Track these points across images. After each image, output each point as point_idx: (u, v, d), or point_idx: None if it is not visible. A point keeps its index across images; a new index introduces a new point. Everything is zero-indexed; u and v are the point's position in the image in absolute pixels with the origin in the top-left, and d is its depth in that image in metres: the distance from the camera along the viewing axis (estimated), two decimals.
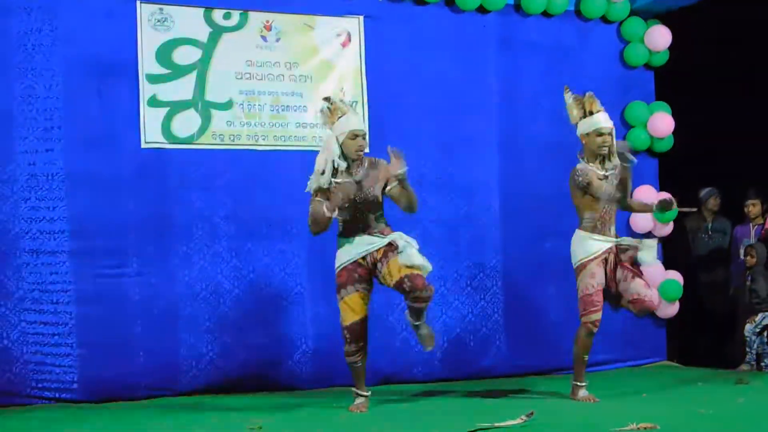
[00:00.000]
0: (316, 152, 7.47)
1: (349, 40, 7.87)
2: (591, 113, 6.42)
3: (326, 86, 7.73)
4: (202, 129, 7.39)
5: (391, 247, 5.94)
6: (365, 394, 6.15)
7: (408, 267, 5.85)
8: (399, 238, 5.96)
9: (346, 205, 5.92)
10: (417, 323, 6.01)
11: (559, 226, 8.06)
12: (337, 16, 7.83)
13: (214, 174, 7.37)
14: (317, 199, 5.94)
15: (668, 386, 7.19)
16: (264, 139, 7.56)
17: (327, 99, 6.15)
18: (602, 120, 6.39)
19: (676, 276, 8.58)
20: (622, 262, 6.40)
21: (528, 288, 8.24)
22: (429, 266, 5.97)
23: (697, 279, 8.95)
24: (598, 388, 6.67)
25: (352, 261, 5.97)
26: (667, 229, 8.69)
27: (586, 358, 6.47)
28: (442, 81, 8.06)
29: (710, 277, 9.05)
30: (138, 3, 7.27)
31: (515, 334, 8.16)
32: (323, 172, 5.94)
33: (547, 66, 8.45)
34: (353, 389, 6.18)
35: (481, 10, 8.22)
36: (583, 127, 6.45)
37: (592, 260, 6.35)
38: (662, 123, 8.55)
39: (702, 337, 8.90)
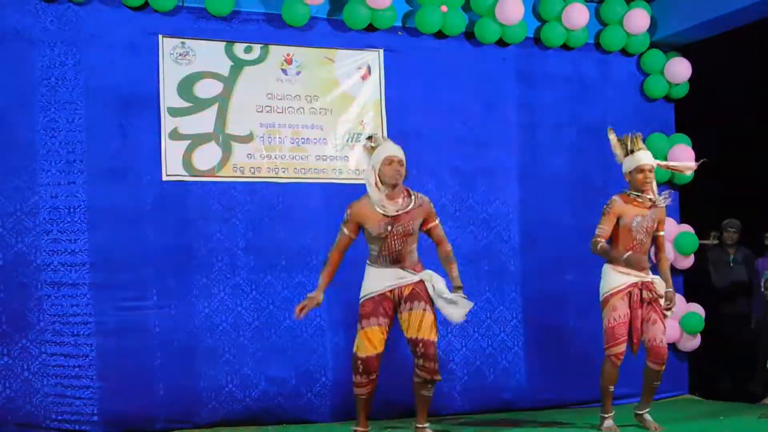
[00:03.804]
0: (336, 185, 7.60)
1: (369, 73, 7.91)
2: (632, 151, 6.54)
3: (346, 119, 7.78)
4: (223, 161, 7.43)
5: (421, 286, 5.94)
6: (364, 430, 6.11)
7: (428, 331, 5.88)
8: (429, 279, 5.97)
9: (382, 234, 5.91)
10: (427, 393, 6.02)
11: (579, 258, 8.06)
12: (357, 50, 7.87)
13: (234, 206, 7.41)
14: (345, 231, 5.96)
15: (690, 420, 7.14)
16: (284, 172, 7.59)
17: (369, 138, 6.13)
18: (643, 157, 6.50)
19: (697, 308, 8.53)
20: (650, 300, 6.49)
21: (548, 320, 8.20)
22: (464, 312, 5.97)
23: (719, 311, 8.89)
24: (620, 420, 6.64)
25: (379, 293, 5.94)
26: (688, 261, 8.66)
27: (612, 389, 6.55)
28: (461, 114, 8.08)
29: (732, 309, 8.99)
30: (160, 37, 7.33)
31: (535, 366, 8.12)
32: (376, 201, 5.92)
33: (566, 98, 8.48)
34: (352, 428, 6.15)
35: (501, 43, 8.25)
36: (626, 165, 6.57)
37: (614, 294, 6.44)
38: (682, 155, 8.53)
39: (724, 370, 8.83)
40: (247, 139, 7.52)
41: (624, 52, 8.71)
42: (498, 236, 8.12)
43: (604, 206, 6.52)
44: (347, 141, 7.79)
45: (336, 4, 7.78)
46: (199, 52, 7.45)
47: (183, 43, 7.41)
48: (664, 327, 6.53)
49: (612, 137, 6.66)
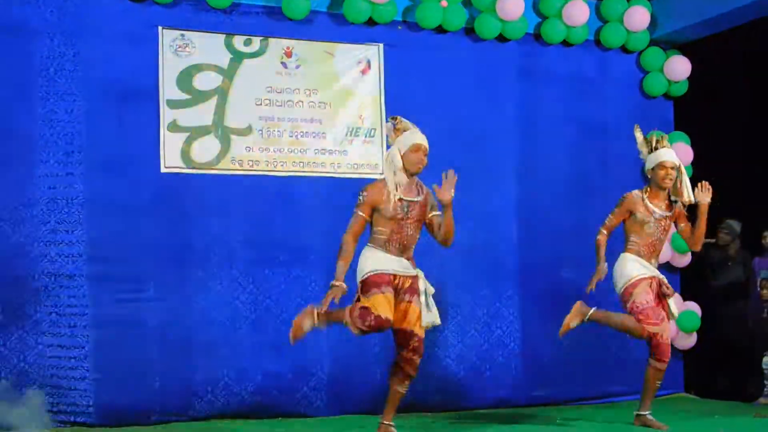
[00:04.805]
0: (335, 179, 7.59)
1: (369, 67, 7.90)
2: (656, 149, 6.64)
3: (345, 113, 7.77)
4: (222, 154, 7.41)
5: (417, 282, 5.93)
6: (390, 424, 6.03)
7: (421, 327, 5.88)
8: (422, 277, 5.96)
9: (398, 216, 5.88)
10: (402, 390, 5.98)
11: (577, 255, 8.07)
12: (357, 44, 7.86)
13: (232, 199, 7.39)
14: (360, 213, 5.88)
15: (685, 418, 7.15)
16: (282, 165, 7.58)
17: (394, 118, 6.12)
18: (665, 154, 6.61)
19: (694, 307, 8.54)
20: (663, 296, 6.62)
21: (545, 317, 8.19)
22: (438, 321, 6.01)
23: (715, 310, 8.89)
24: (615, 419, 6.65)
25: (387, 273, 5.86)
26: (686, 259, 8.66)
27: (659, 384, 6.66)
28: (461, 109, 8.07)
29: (729, 308, 8.98)
30: (160, 29, 7.31)
31: (532, 363, 8.13)
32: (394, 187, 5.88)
33: (566, 95, 8.48)
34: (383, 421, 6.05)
35: (501, 39, 8.24)
36: (648, 162, 6.68)
37: (642, 279, 6.54)
38: (681, 153, 8.51)
39: (720, 369, 8.82)
40: (246, 132, 7.50)
41: (624, 49, 8.71)
42: (496, 233, 8.12)
43: (621, 197, 6.68)
44: (346, 135, 7.78)
45: None
46: (199, 44, 7.43)
47: (183, 35, 7.39)
48: (670, 325, 6.68)
49: (638, 135, 6.81)
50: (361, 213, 5.89)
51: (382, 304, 5.73)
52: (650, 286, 6.54)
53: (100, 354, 6.93)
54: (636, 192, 6.66)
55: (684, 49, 8.84)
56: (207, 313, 7.24)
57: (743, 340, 8.71)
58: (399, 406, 6.03)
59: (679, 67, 8.71)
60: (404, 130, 6.02)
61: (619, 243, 6.77)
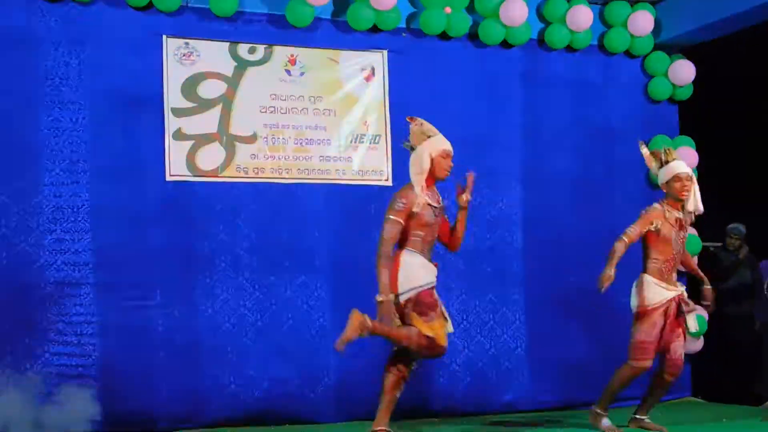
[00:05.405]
0: (339, 185, 7.59)
1: (373, 74, 7.91)
2: (667, 162, 6.56)
3: (350, 120, 7.78)
4: (227, 162, 7.43)
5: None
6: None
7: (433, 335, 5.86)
8: None
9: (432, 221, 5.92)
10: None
11: (582, 260, 8.06)
12: (361, 51, 7.88)
13: (237, 206, 7.41)
14: (398, 220, 5.79)
15: (693, 422, 7.13)
16: (287, 172, 7.59)
17: (413, 119, 6.12)
18: (679, 166, 6.52)
19: (701, 311, 8.50)
20: (679, 315, 6.53)
21: (551, 322, 8.19)
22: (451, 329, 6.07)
23: (723, 313, 8.87)
24: (623, 423, 6.63)
25: (433, 285, 5.90)
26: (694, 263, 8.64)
27: (618, 393, 6.60)
28: (465, 115, 8.07)
29: (736, 311, 8.97)
30: (164, 37, 7.34)
31: (538, 368, 8.12)
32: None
33: (570, 100, 8.48)
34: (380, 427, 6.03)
35: (505, 44, 8.25)
36: (662, 175, 6.57)
37: (656, 309, 6.41)
38: (686, 157, 8.50)
39: (728, 372, 8.81)
40: (251, 139, 7.52)
41: (628, 53, 8.71)
42: (501, 238, 8.11)
43: (644, 209, 6.49)
44: (351, 142, 7.79)
45: (340, 5, 7.79)
46: (203, 52, 7.45)
47: (187, 43, 7.42)
48: (685, 340, 6.61)
49: (644, 151, 6.69)
50: (399, 219, 5.80)
51: (443, 333, 5.84)
52: (663, 314, 6.45)
53: (107, 362, 6.94)
54: (657, 206, 6.48)
55: (688, 53, 8.83)
56: (213, 320, 7.25)
57: (750, 343, 8.70)
58: (406, 411, 6.01)
59: (684, 71, 8.70)
60: (431, 134, 6.03)
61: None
